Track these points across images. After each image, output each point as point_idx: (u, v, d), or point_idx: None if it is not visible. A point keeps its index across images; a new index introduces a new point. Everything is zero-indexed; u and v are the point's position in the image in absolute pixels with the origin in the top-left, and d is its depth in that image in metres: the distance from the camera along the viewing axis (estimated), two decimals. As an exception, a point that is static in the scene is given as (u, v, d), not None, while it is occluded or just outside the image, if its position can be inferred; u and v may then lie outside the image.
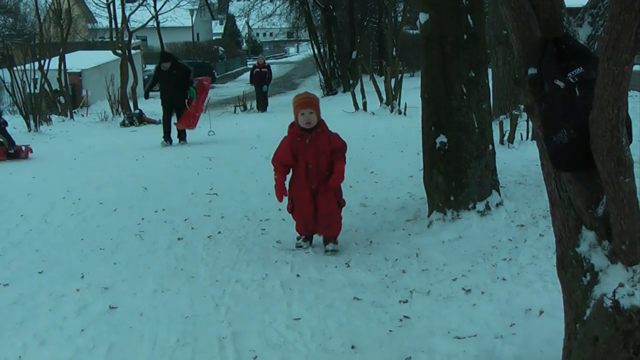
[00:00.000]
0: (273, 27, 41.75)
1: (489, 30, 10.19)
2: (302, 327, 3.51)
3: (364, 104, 14.19)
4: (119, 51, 20.36)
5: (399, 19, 27.37)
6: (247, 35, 61.72)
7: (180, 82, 11.23)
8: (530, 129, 7.79)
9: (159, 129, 11.97)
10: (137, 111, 17.51)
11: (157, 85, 12.21)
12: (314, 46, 25.78)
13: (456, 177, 5.14)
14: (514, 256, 4.39)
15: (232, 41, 54.21)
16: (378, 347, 3.25)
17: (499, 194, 5.36)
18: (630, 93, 5.17)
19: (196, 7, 39.77)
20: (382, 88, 14.11)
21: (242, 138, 11.75)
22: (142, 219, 6.01)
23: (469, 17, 5.10)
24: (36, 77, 16.89)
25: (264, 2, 32.27)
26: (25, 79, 15.62)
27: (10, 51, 17.07)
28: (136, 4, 25.00)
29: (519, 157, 7.40)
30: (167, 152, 10.66)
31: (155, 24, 27.40)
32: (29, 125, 14.91)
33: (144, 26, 24.75)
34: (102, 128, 16.37)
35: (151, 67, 13.15)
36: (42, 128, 15.35)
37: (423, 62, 5.38)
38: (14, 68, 15.82)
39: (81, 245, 5.27)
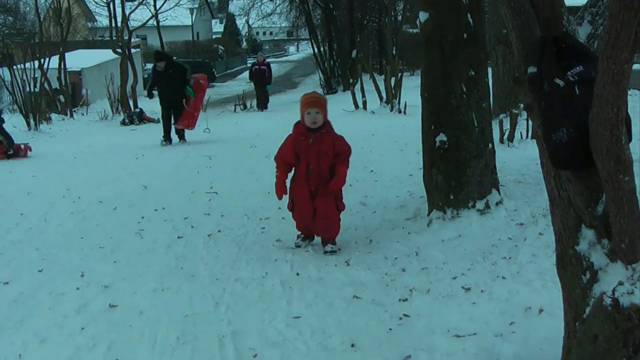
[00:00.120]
0: (273, 26, 41.82)
1: (489, 29, 10.18)
2: (302, 326, 3.51)
3: (364, 103, 14.19)
4: (119, 50, 20.34)
5: (399, 18, 27.36)
6: (247, 34, 61.72)
7: (176, 81, 11.16)
8: (530, 128, 7.79)
9: (159, 127, 11.97)
10: (137, 110, 17.50)
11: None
12: (314, 45, 25.77)
13: (456, 175, 5.14)
14: (513, 255, 4.39)
15: (232, 40, 54.18)
16: (378, 345, 3.26)
17: (499, 193, 5.36)
18: (629, 92, 5.16)
19: (196, 5, 39.82)
20: (382, 87, 14.11)
21: (242, 137, 11.75)
22: (142, 217, 6.01)
23: (468, 16, 5.10)
24: (36, 75, 16.87)
25: (263, 1, 32.29)
26: (25, 77, 15.62)
27: (10, 50, 17.04)
28: (136, 2, 25.01)
29: (518, 156, 7.40)
30: (167, 151, 10.66)
31: (155, 23, 27.45)
32: (28, 124, 14.91)
33: (143, 25, 24.76)
34: (102, 127, 16.36)
35: (151, 66, 13.12)
36: (42, 127, 15.35)
37: (423, 61, 5.38)
38: (14, 67, 15.81)
39: (81, 244, 5.27)
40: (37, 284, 4.34)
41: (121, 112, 18.42)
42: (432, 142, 5.18)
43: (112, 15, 21.37)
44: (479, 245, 4.64)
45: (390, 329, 3.42)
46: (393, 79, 13.81)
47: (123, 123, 16.50)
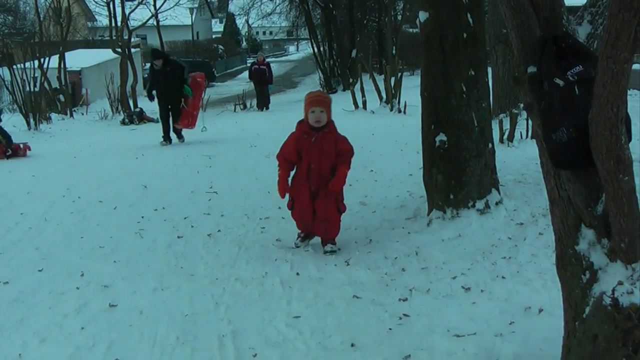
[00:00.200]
0: (273, 25, 41.76)
1: (489, 28, 10.18)
2: (302, 325, 3.51)
3: (364, 103, 14.19)
4: (119, 49, 20.35)
5: (399, 17, 27.35)
6: (246, 33, 61.68)
7: (174, 79, 11.07)
8: (530, 128, 7.79)
9: (159, 127, 11.95)
10: (137, 109, 17.50)
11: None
12: (314, 45, 25.75)
13: (456, 175, 5.14)
14: (513, 254, 4.39)
15: (232, 40, 54.16)
16: (377, 345, 3.26)
17: (499, 193, 5.36)
18: (629, 91, 5.15)
19: (196, 5, 39.81)
20: (381, 87, 14.10)
21: (241, 137, 11.75)
22: (142, 217, 6.01)
23: (468, 15, 5.10)
24: (36, 75, 16.86)
25: (263, 1, 32.24)
26: (25, 77, 15.60)
27: (10, 49, 17.04)
28: (136, 2, 25.02)
29: (518, 156, 7.40)
30: (167, 151, 10.66)
31: (155, 23, 27.41)
32: (28, 123, 14.91)
33: (143, 24, 24.73)
34: (102, 126, 16.36)
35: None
36: (42, 126, 15.34)
37: (423, 60, 5.38)
38: (14, 66, 15.80)
39: (81, 243, 5.27)
40: (37, 284, 4.35)
41: (121, 112, 18.42)
42: (432, 141, 5.18)
43: (112, 15, 21.37)
44: (479, 245, 4.64)
45: (390, 329, 3.43)
46: (393, 79, 13.81)
47: (123, 123, 16.50)
